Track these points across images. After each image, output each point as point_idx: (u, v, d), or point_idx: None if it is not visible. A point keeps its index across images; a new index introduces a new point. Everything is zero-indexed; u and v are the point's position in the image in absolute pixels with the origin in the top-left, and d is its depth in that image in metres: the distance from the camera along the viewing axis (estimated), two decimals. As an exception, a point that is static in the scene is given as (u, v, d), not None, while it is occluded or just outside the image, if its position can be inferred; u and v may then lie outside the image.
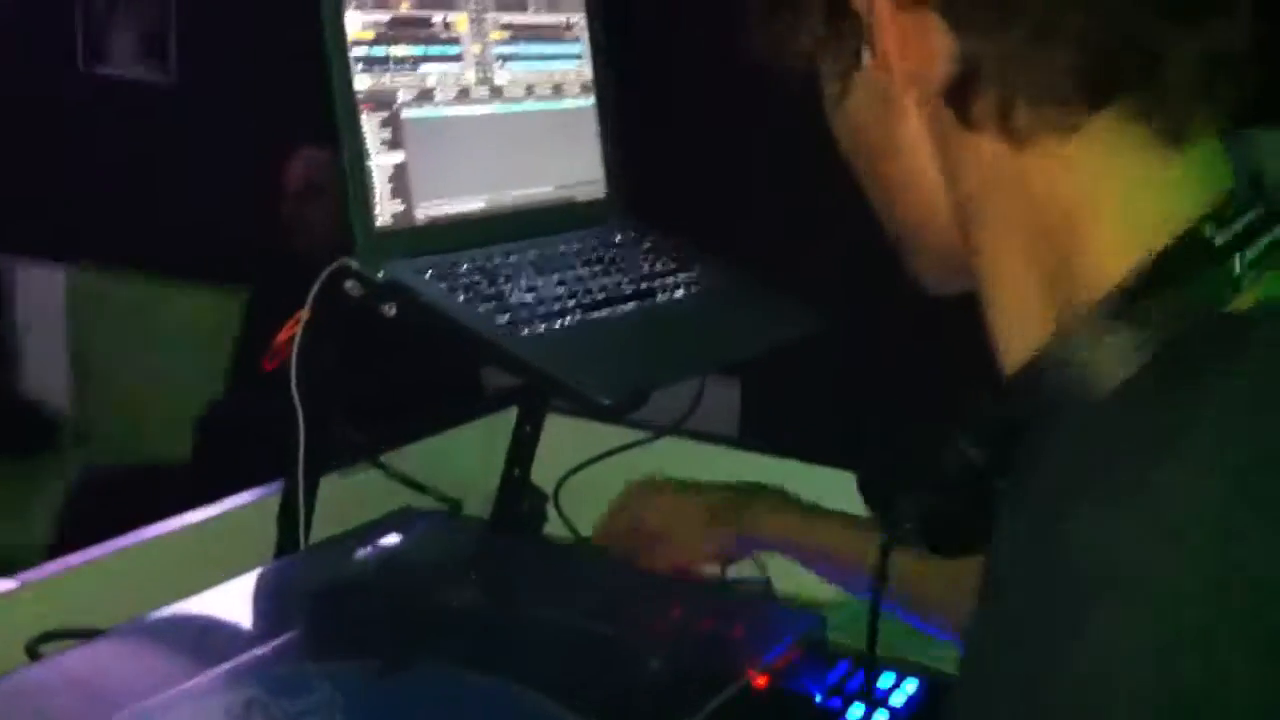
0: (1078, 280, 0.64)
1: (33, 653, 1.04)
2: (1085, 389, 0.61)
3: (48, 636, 1.05)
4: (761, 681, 0.97)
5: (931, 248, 0.73)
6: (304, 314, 1.15)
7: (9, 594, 1.10)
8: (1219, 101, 0.63)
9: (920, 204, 0.71)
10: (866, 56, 0.68)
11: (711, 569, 1.29)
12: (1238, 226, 0.62)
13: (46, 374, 3.18)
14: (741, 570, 1.32)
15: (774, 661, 1.01)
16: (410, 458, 1.30)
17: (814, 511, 1.25)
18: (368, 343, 1.19)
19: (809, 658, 1.05)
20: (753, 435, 1.99)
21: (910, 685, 1.09)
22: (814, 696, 1.03)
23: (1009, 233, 0.66)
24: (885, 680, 1.07)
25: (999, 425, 0.68)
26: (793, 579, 1.32)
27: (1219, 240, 0.61)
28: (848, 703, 1.03)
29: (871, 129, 0.71)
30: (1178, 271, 0.61)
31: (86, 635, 1.05)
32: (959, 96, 0.64)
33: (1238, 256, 0.61)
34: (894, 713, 1.04)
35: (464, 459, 1.45)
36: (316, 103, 1.19)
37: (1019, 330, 0.67)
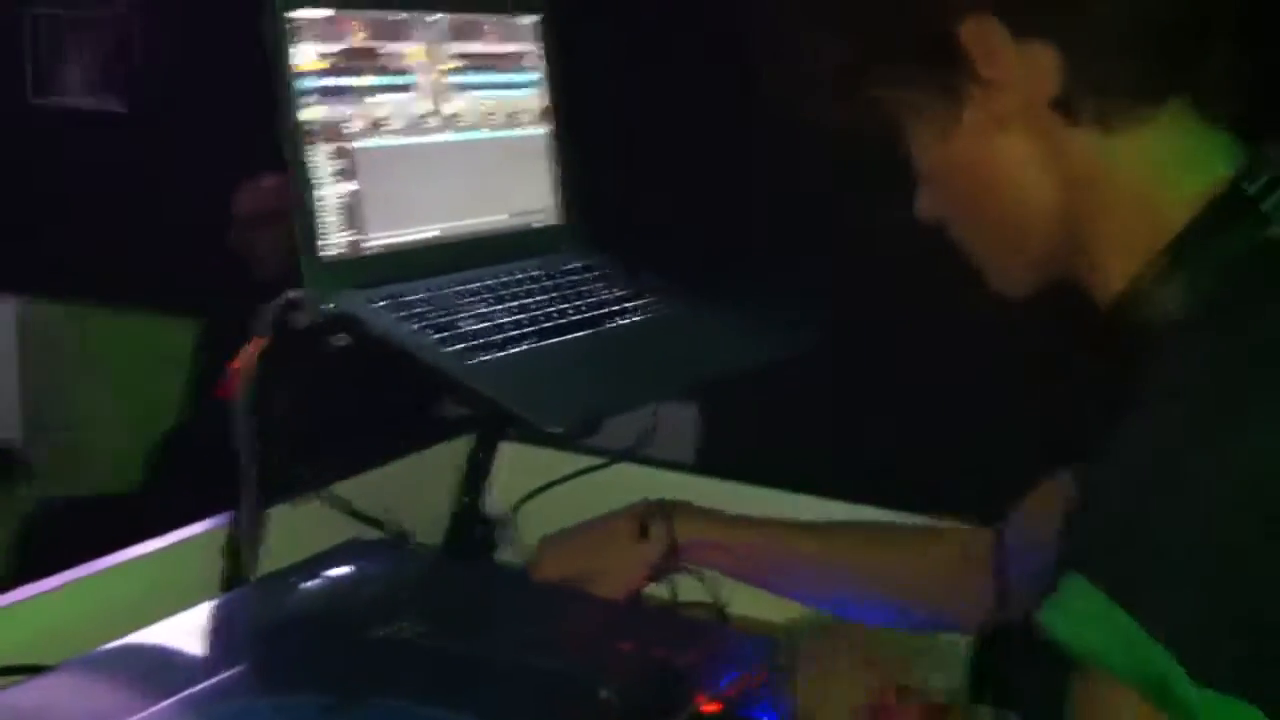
0: (1158, 231, 0.83)
1: (-26, 689, 1.02)
2: (1176, 310, 0.80)
3: (-5, 672, 1.03)
4: (714, 708, 0.97)
5: (1033, 251, 0.89)
6: (254, 345, 1.14)
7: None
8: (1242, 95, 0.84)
9: (1030, 212, 0.87)
10: (971, 90, 0.84)
11: (652, 585, 1.30)
12: (1262, 181, 0.82)
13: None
14: (694, 595, 1.31)
15: (727, 688, 1.00)
16: (362, 487, 1.29)
17: (733, 517, 1.30)
18: (319, 372, 1.18)
19: (763, 683, 1.04)
20: (709, 460, 1.99)
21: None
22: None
23: (1109, 208, 0.84)
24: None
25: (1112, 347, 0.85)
26: (746, 603, 1.32)
27: (1251, 190, 0.82)
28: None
29: (980, 155, 0.86)
30: (1227, 213, 0.82)
31: (29, 671, 1.03)
32: (1067, 103, 0.82)
33: (1268, 200, 0.82)
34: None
35: (416, 487, 1.44)
36: (271, 130, 1.19)
37: (1117, 279, 0.84)
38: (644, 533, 1.28)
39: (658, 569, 1.30)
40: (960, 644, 1.29)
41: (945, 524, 1.29)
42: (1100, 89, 0.82)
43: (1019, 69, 0.82)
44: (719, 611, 1.31)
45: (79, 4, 3.34)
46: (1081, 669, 0.75)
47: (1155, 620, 0.71)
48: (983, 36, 0.82)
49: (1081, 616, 0.73)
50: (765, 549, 1.27)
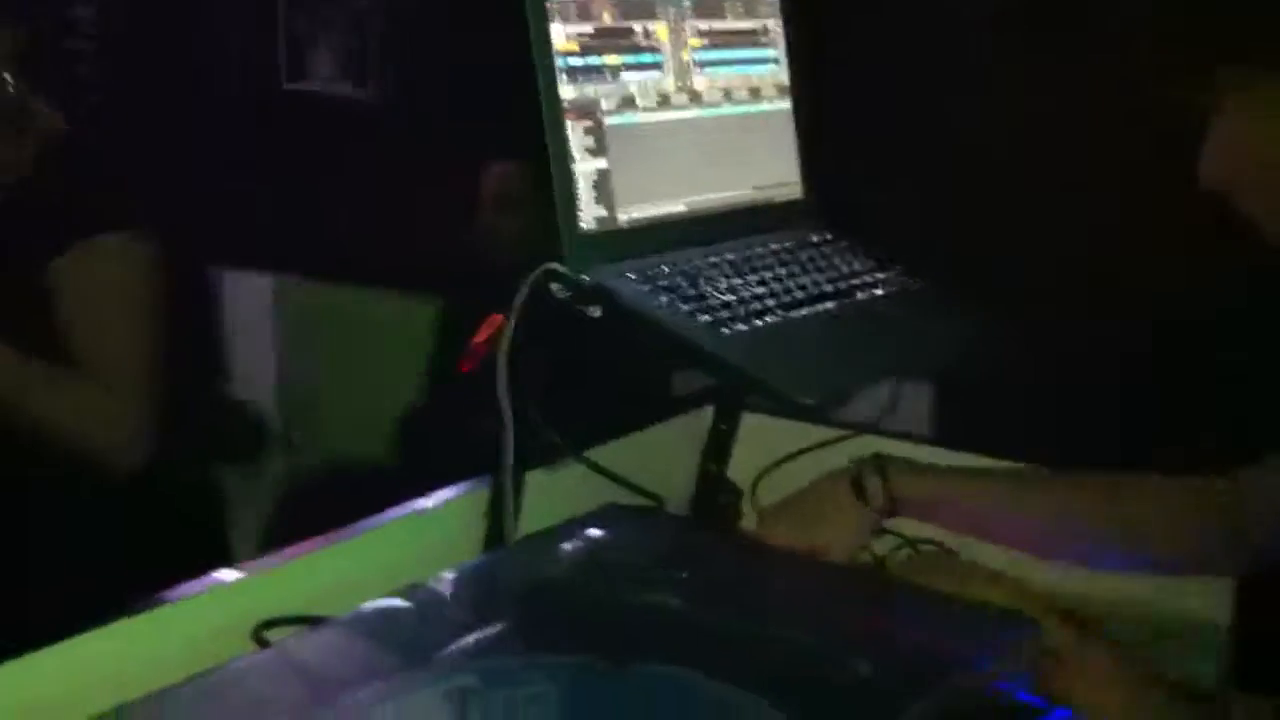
0: None
1: (259, 638, 1.09)
2: None
3: (272, 623, 1.09)
4: (969, 688, 0.96)
5: None
6: (512, 316, 1.18)
7: (236, 582, 1.15)
8: None
9: None
10: None
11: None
12: None
13: (257, 381, 3.31)
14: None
15: (983, 669, 0.99)
16: (611, 454, 1.32)
17: (951, 469, 1.28)
18: (573, 342, 1.22)
19: (1020, 666, 1.03)
20: (946, 433, 1.97)
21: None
22: (1023, 702, 1.01)
23: None
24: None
25: None
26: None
27: None
28: (1053, 704, 1.01)
29: None
30: None
31: (309, 622, 1.09)
32: None
33: None
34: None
35: (660, 457, 1.47)
36: (508, 116, 1.23)
37: None
38: (860, 493, 1.27)
39: (879, 527, 1.29)
40: (1219, 629, 1.26)
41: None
42: None
43: None
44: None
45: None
46: None
47: None
48: None
49: None
50: (987, 503, 1.26)
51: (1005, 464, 1.37)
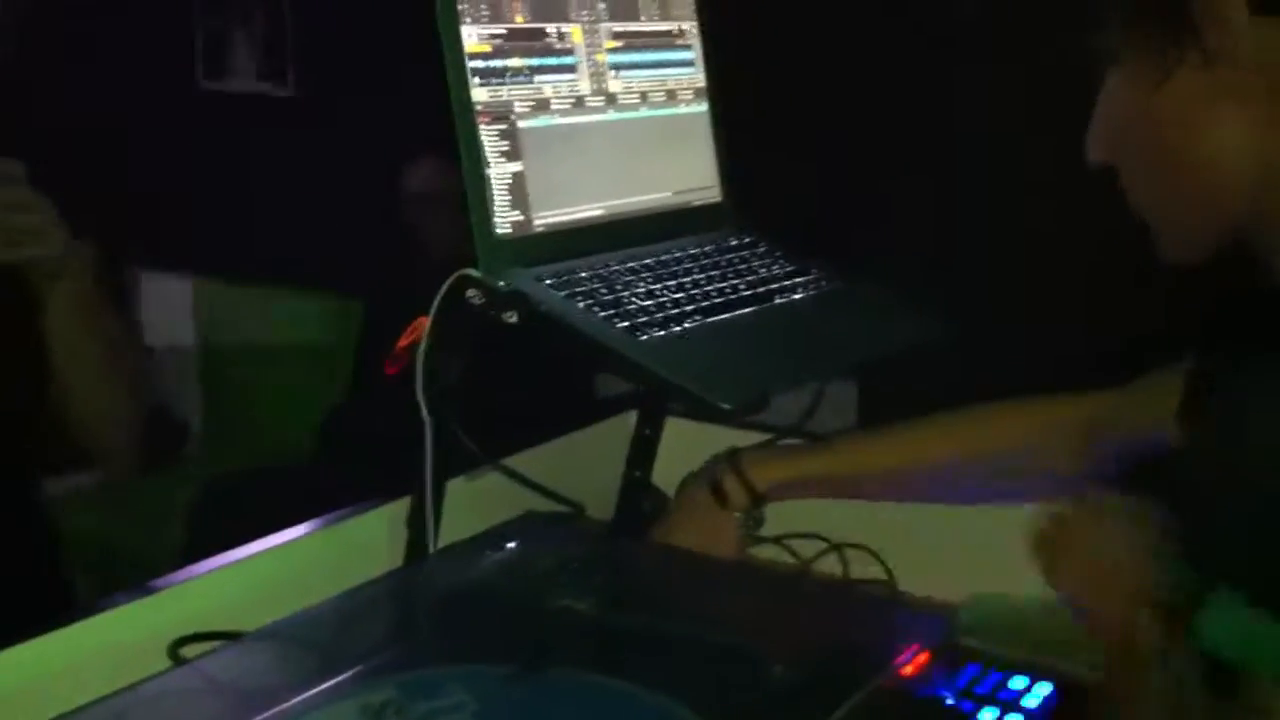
0: None
1: (175, 655, 1.07)
2: None
3: (188, 639, 1.08)
4: (889, 685, 0.97)
5: (1214, 217, 0.89)
6: (427, 321, 1.17)
7: (151, 598, 1.13)
8: None
9: (1222, 180, 0.87)
10: (1189, 55, 0.83)
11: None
12: None
13: (176, 384, 3.27)
14: (866, 571, 1.31)
15: (902, 665, 1.00)
16: (531, 462, 1.32)
17: (804, 447, 1.31)
18: (490, 349, 1.21)
19: (938, 661, 1.04)
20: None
21: (1043, 688, 1.08)
22: (945, 700, 1.02)
23: None
24: (1018, 683, 1.05)
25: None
26: (918, 579, 1.32)
27: None
28: (979, 706, 1.02)
29: (1185, 115, 0.86)
30: None
31: (226, 638, 1.08)
32: None
33: None
34: (1028, 714, 1.03)
35: (583, 463, 1.46)
36: (430, 115, 1.21)
37: None
38: (719, 493, 1.28)
39: (751, 521, 1.30)
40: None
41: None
42: None
43: (1247, 44, 0.82)
44: (892, 588, 1.31)
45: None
46: None
47: None
48: (1218, 6, 0.82)
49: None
50: (849, 465, 1.28)
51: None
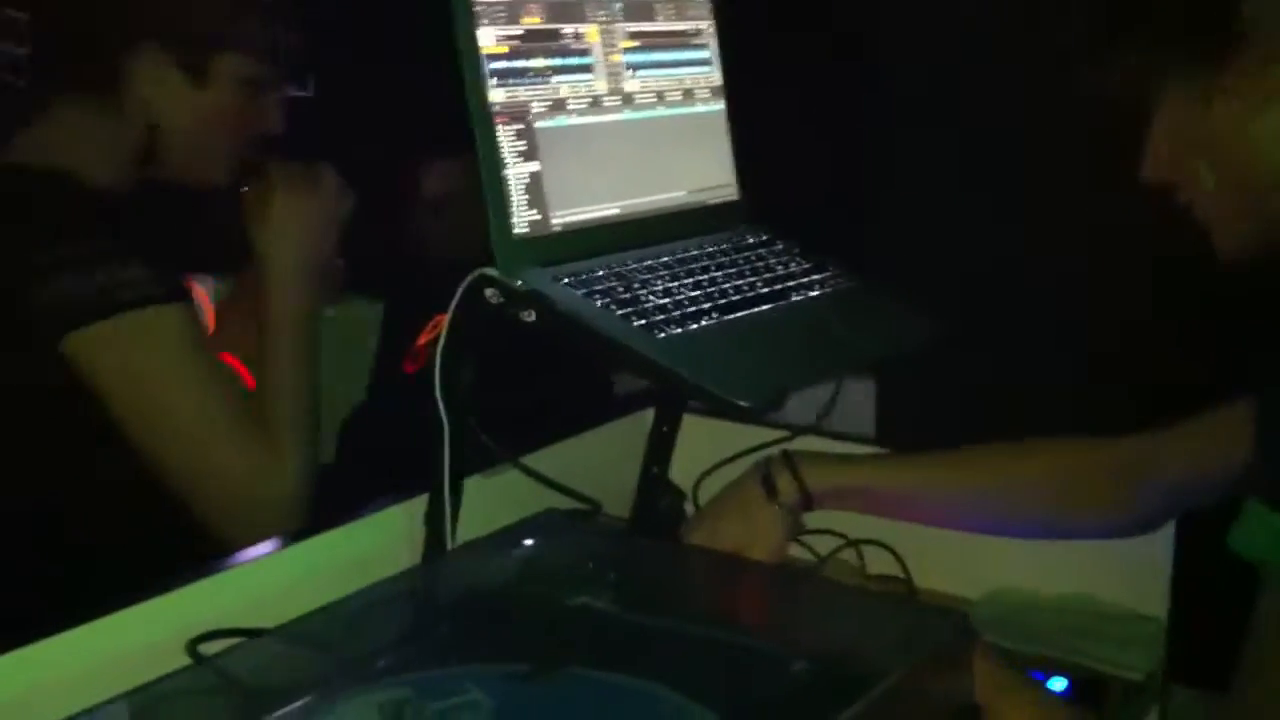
0: None
1: (194, 652, 1.08)
2: None
3: (207, 636, 1.08)
4: (908, 681, 0.97)
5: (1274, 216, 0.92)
6: (445, 321, 1.17)
7: (170, 595, 1.14)
8: None
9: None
10: (1245, 64, 0.86)
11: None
12: None
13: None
14: (883, 566, 1.31)
15: (919, 661, 1.00)
16: (549, 459, 1.32)
17: (860, 457, 1.33)
18: (508, 347, 1.21)
19: (954, 657, 1.04)
20: (888, 434, 1.98)
21: (1059, 683, 1.09)
22: (961, 695, 1.02)
23: None
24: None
25: None
26: (935, 575, 1.32)
27: None
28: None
29: (1244, 124, 0.89)
30: None
31: (245, 635, 1.08)
32: None
33: None
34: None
35: (601, 460, 1.47)
36: (446, 116, 1.22)
37: None
38: (771, 490, 1.28)
39: (798, 523, 1.30)
40: (1158, 623, 1.27)
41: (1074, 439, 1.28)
42: None
43: None
44: (908, 586, 1.31)
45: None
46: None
47: None
48: (1270, 8, 0.84)
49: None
50: (899, 486, 1.29)
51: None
